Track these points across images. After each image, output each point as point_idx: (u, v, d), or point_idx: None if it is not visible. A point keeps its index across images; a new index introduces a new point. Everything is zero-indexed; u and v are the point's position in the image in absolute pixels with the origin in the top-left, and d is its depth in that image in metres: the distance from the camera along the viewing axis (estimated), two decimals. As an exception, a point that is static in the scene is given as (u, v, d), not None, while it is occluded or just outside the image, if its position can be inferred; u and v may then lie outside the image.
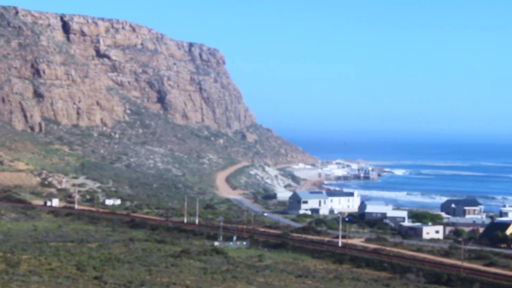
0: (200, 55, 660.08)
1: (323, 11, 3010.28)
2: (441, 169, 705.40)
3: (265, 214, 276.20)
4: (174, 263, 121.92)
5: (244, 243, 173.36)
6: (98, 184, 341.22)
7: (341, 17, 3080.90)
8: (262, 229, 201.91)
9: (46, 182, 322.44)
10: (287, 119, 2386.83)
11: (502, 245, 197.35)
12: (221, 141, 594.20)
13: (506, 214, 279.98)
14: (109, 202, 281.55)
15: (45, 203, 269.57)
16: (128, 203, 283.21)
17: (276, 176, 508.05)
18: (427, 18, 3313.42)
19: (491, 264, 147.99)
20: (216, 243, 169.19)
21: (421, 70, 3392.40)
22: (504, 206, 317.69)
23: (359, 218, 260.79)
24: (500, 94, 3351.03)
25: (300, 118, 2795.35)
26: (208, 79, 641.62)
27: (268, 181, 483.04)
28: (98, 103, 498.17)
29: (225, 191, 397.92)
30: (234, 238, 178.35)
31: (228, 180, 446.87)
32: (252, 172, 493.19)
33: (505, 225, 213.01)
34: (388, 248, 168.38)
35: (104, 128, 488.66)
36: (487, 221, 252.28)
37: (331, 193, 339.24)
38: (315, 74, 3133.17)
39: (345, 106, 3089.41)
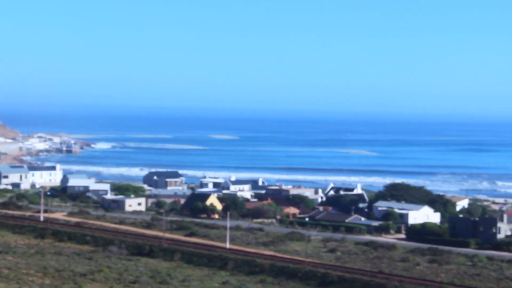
0: None
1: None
2: (145, 142, 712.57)
3: None
4: None
5: None
6: None
7: None
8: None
9: None
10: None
11: (203, 215, 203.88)
12: None
13: (206, 185, 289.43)
14: None
15: None
16: None
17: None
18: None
19: (192, 234, 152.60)
20: None
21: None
22: (205, 177, 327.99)
23: (62, 192, 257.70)
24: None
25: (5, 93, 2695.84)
26: None
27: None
28: None
29: None
30: None
31: None
32: None
33: (205, 195, 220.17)
34: (91, 221, 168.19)
35: None
36: (188, 192, 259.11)
37: (32, 167, 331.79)
38: (19, 44, 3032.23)
39: (47, 80, 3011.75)
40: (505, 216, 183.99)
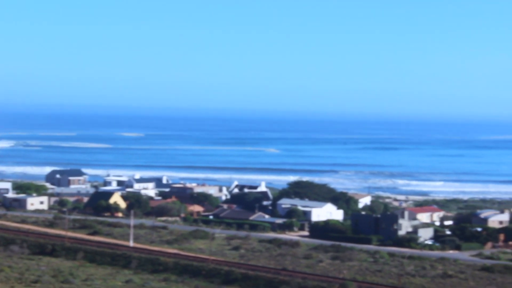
0: None
1: None
2: (49, 140, 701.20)
3: None
4: None
5: None
6: None
7: None
8: None
9: None
10: None
11: (106, 214, 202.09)
12: None
13: (110, 183, 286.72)
14: None
15: None
16: None
17: None
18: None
19: (95, 233, 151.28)
20: None
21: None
22: (108, 175, 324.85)
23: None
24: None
25: None
26: None
27: None
28: None
29: None
30: None
31: None
32: None
33: (109, 194, 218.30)
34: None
35: None
36: (92, 190, 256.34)
37: None
38: None
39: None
40: (406, 213, 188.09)
